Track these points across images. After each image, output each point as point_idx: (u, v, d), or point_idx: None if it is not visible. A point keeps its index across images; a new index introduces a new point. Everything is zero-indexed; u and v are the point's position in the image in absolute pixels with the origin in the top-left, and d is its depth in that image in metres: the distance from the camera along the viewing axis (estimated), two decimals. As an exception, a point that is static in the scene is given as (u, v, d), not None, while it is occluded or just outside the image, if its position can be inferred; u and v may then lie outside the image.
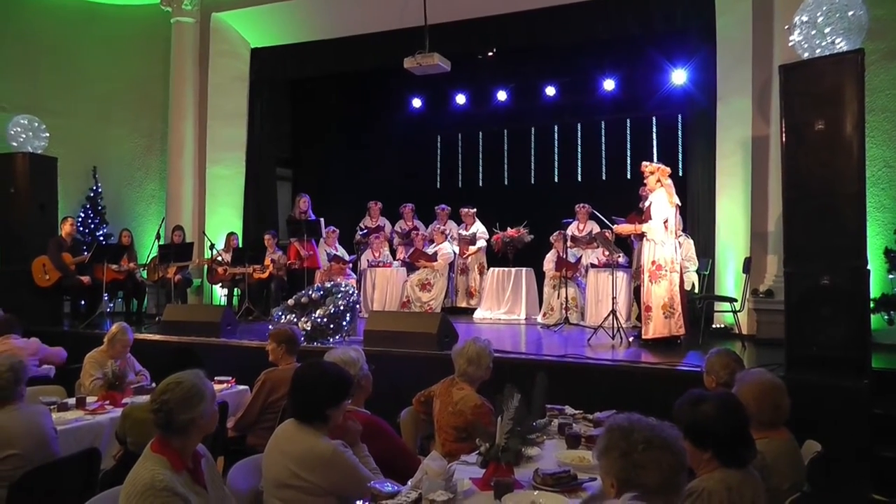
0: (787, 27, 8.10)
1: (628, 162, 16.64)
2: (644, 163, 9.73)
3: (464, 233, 14.24)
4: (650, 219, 9.33)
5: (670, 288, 9.15)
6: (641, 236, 9.55)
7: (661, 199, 9.29)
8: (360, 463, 3.98)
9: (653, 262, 9.23)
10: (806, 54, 7.77)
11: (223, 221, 15.22)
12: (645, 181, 9.65)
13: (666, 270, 9.17)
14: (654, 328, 9.21)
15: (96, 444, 5.44)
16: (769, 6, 10.59)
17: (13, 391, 4.98)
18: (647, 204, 9.59)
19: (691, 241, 11.15)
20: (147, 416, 3.63)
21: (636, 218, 9.92)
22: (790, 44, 7.95)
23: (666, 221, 9.23)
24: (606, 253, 11.69)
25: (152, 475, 3.35)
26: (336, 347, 5.32)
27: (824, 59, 7.57)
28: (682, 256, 9.85)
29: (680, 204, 9.64)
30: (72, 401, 6.53)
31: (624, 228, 9.96)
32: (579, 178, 17.61)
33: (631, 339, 9.70)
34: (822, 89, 7.44)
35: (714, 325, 10.71)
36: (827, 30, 7.55)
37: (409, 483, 3.79)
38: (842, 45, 7.52)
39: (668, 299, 9.14)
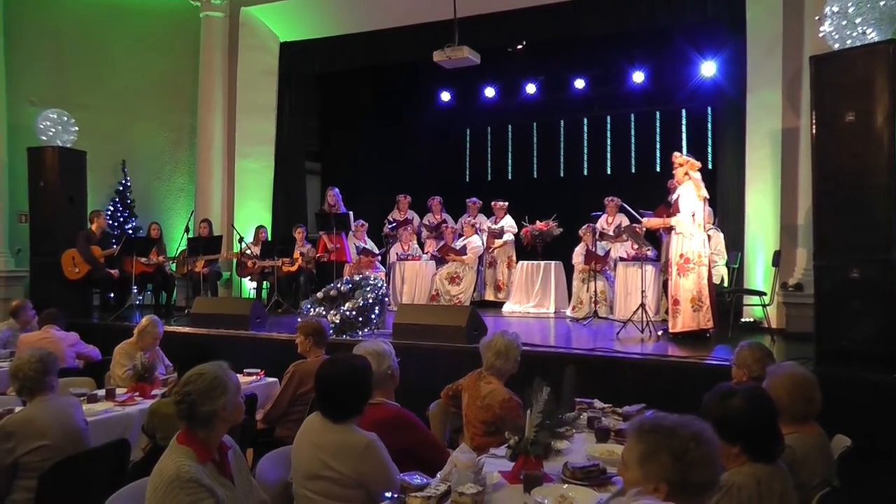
0: (817, 18, 8.05)
1: (657, 155, 16.62)
2: (675, 153, 9.71)
3: (492, 226, 14.21)
4: (678, 212, 9.29)
5: (698, 281, 9.11)
6: (670, 230, 9.52)
7: (689, 192, 9.25)
8: (391, 460, 3.97)
9: (681, 256, 9.20)
10: (837, 45, 7.73)
11: (252, 215, 15.26)
12: (674, 172, 9.60)
13: (694, 263, 9.13)
14: (683, 321, 9.18)
15: (126, 436, 5.47)
16: (800, -3, 10.53)
17: (42, 382, 5.02)
18: (674, 197, 9.55)
19: (721, 235, 11.09)
20: (173, 410, 3.65)
21: (665, 211, 9.89)
22: (821, 34, 7.91)
23: (693, 214, 9.18)
24: (635, 246, 11.65)
25: (178, 466, 3.37)
26: (365, 340, 5.32)
27: (855, 50, 7.53)
28: (711, 250, 9.79)
29: (708, 197, 9.57)
30: (101, 392, 6.57)
31: (652, 222, 9.95)
32: (608, 171, 17.57)
33: (660, 332, 9.66)
34: (852, 80, 7.40)
35: (743, 319, 10.65)
36: (858, 20, 7.50)
37: (439, 475, 3.79)
38: (873, 36, 7.46)
39: (697, 292, 9.10)
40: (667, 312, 9.98)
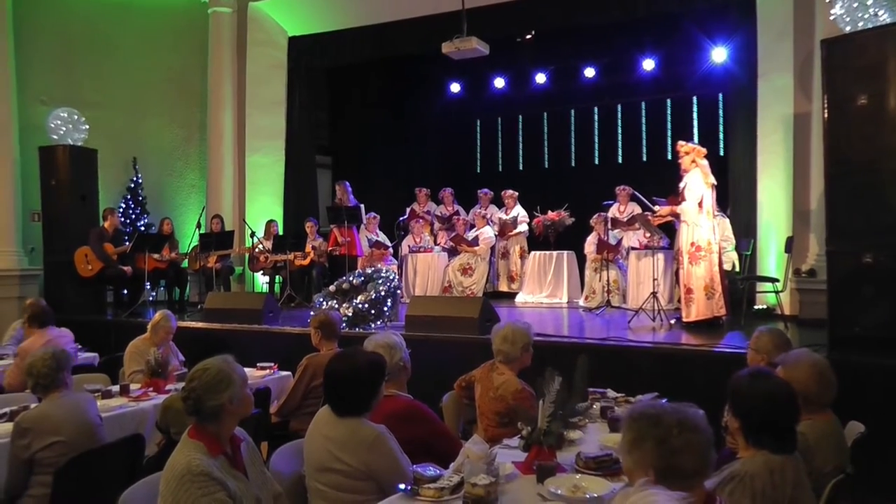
0: (828, 0, 7.99)
1: (668, 142, 16.55)
2: (680, 142, 9.67)
3: (504, 216, 14.20)
4: (684, 200, 9.27)
5: (710, 268, 9.09)
6: (678, 218, 9.49)
7: (696, 180, 9.22)
8: (402, 452, 3.97)
9: (692, 244, 9.16)
10: (848, 28, 7.67)
11: (263, 209, 15.29)
12: (680, 161, 9.56)
13: (705, 251, 9.11)
14: (697, 310, 9.15)
15: (140, 431, 5.50)
16: (810, -20, 10.47)
17: (56, 379, 5.05)
18: (681, 185, 9.50)
19: (727, 220, 11.08)
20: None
21: (676, 200, 9.85)
22: (832, 17, 7.86)
23: (701, 202, 9.15)
24: (647, 235, 11.63)
25: (189, 461, 3.38)
26: (377, 333, 5.32)
27: (867, 32, 7.47)
28: (719, 236, 9.76)
29: (715, 183, 9.51)
30: (115, 388, 6.59)
31: (661, 211, 9.90)
32: (619, 160, 17.56)
33: (672, 321, 9.64)
34: (864, 63, 7.34)
35: (756, 306, 10.63)
36: (869, 2, 7.45)
37: (451, 467, 3.79)
38: (885, 18, 7.41)
39: (709, 280, 9.08)
40: (679, 301, 9.96)
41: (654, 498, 2.16)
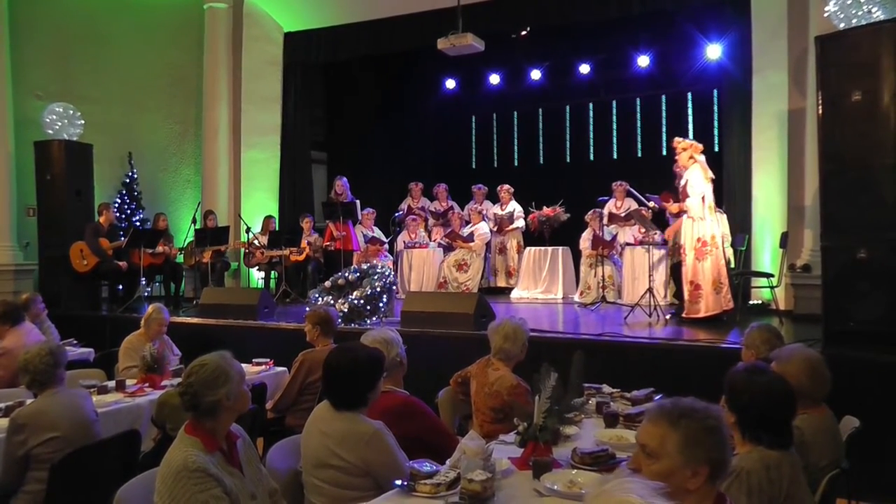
0: (822, -2, 8.02)
1: (663, 138, 16.53)
2: (676, 139, 9.62)
3: (499, 212, 14.21)
4: (687, 197, 9.23)
5: (717, 263, 9.05)
6: (678, 213, 9.46)
7: (697, 176, 9.18)
8: (399, 448, 3.97)
9: (698, 240, 9.09)
10: (842, 25, 7.70)
11: (259, 205, 15.30)
12: (676, 157, 9.54)
13: (711, 246, 9.07)
14: (706, 306, 9.05)
15: (136, 426, 5.47)
16: (804, -23, 10.48)
17: (53, 375, 5.05)
18: (682, 182, 9.47)
19: (724, 217, 11.08)
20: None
21: (669, 196, 9.84)
22: (826, 14, 7.89)
23: (703, 197, 9.13)
24: (642, 230, 11.63)
25: (185, 456, 3.39)
26: (373, 328, 5.32)
27: (861, 29, 7.50)
28: (723, 231, 9.76)
29: (714, 177, 9.50)
30: (111, 384, 6.58)
31: (671, 208, 9.84)
32: (615, 156, 17.54)
33: (668, 316, 9.64)
34: (858, 60, 7.37)
35: (751, 301, 10.65)
36: (863, -1, 7.47)
37: (448, 463, 3.79)
38: (878, 15, 7.44)
39: (716, 274, 9.03)
40: (675, 296, 9.95)
41: (630, 485, 2.15)
